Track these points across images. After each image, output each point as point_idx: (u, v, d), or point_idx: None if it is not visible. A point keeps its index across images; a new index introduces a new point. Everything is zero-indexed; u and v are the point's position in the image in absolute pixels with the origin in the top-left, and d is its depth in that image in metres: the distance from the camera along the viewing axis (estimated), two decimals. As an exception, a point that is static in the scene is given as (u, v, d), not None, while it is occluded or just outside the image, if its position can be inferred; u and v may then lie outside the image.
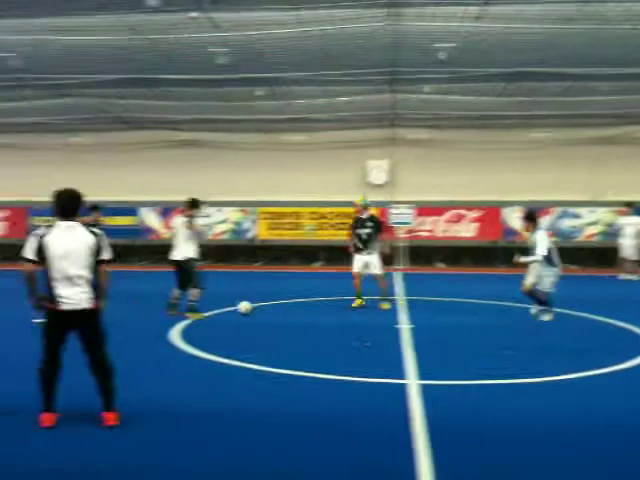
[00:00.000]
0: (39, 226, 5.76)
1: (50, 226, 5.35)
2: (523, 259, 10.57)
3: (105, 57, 12.96)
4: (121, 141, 22.23)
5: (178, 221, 11.15)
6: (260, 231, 22.21)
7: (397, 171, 21.68)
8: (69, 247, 5.25)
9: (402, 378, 6.90)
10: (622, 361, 7.63)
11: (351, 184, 20.61)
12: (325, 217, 21.72)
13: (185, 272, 10.83)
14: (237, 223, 22.29)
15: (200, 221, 11.51)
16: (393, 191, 21.56)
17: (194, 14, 10.52)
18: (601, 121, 19.92)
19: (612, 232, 19.30)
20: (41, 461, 4.70)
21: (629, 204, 17.79)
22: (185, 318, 10.49)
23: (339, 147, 21.46)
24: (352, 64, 13.60)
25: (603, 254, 19.96)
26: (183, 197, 11.40)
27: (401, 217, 20.99)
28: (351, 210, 13.90)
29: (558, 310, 10.86)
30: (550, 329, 10.02)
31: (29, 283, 5.33)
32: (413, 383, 6.69)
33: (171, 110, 18.65)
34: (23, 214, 22.44)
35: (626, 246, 17.50)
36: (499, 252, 20.32)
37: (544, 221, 18.00)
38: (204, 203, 12.16)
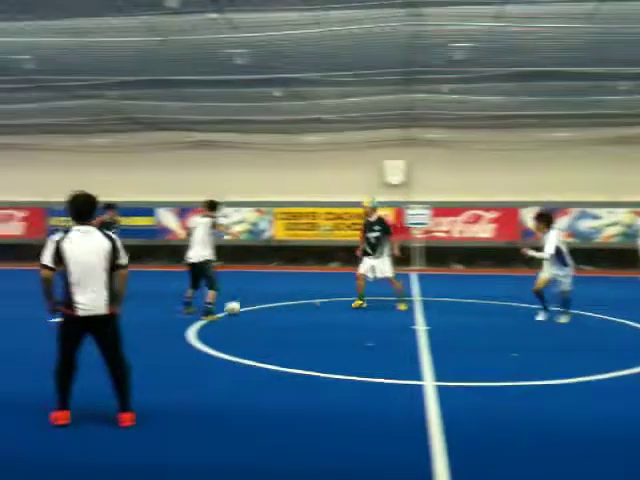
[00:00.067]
0: (57, 227, 5.80)
1: (67, 230, 5.38)
2: (531, 252, 10.64)
3: (123, 59, 13.02)
4: (138, 142, 22.35)
5: (196, 221, 11.19)
6: (276, 231, 22.24)
7: (414, 171, 21.60)
8: (86, 252, 5.29)
9: (419, 379, 6.89)
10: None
11: (367, 184, 20.49)
12: (341, 217, 21.69)
13: (201, 273, 10.88)
14: (254, 224, 22.35)
15: (222, 220, 11.53)
16: (410, 191, 21.48)
17: (213, 15, 10.55)
18: (620, 121, 19.69)
19: (631, 233, 19.08)
20: (55, 458, 4.73)
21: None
22: (201, 319, 10.54)
23: (355, 147, 21.42)
24: (370, 64, 13.57)
25: (622, 255, 19.75)
26: (200, 197, 11.44)
27: (417, 218, 20.94)
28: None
29: (575, 312, 10.82)
30: (567, 331, 9.96)
31: (46, 288, 5.37)
32: (430, 384, 6.67)
33: (188, 111, 18.71)
34: (41, 215, 22.66)
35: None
36: (517, 253, 20.12)
37: (561, 222, 17.88)
38: (222, 203, 12.20)
